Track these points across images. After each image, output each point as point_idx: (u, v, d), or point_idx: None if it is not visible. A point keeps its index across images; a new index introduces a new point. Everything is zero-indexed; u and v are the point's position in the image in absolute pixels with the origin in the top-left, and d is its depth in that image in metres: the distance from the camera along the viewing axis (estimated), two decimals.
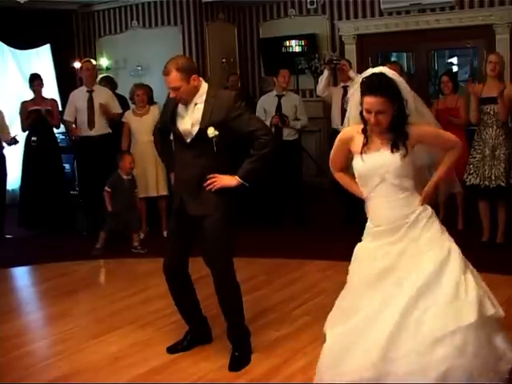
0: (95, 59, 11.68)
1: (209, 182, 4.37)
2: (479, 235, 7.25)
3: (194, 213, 4.44)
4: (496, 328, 3.65)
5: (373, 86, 3.62)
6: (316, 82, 9.08)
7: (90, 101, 8.49)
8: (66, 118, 8.68)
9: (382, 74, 3.66)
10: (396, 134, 3.69)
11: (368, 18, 10.36)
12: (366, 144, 3.75)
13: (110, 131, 8.64)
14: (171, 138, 4.75)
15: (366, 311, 3.68)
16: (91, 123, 8.46)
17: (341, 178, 4.03)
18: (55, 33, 11.34)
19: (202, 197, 4.41)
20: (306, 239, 7.79)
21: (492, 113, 6.92)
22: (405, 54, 10.87)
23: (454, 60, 11.29)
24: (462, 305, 3.54)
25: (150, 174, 8.15)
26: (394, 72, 3.74)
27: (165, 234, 8.09)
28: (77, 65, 9.36)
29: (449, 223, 7.79)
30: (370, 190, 3.79)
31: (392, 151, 3.68)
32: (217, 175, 4.37)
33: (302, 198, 8.68)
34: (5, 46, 10.93)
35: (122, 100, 9.38)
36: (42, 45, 11.37)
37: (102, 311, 5.79)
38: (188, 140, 4.43)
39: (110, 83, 9.39)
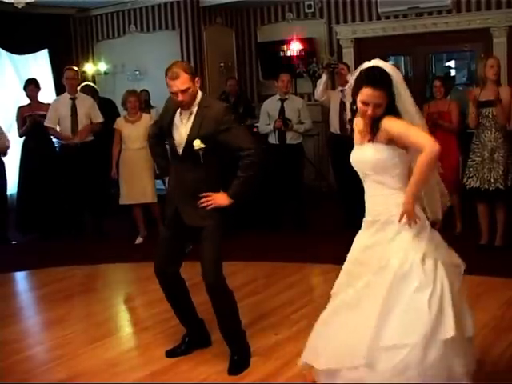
0: (93, 64, 11.73)
1: (204, 200, 4.40)
2: (478, 238, 7.25)
3: (190, 223, 4.48)
4: (456, 352, 3.55)
5: (374, 78, 3.58)
6: (314, 86, 9.08)
7: (74, 108, 8.48)
8: (47, 124, 8.61)
9: (381, 68, 3.64)
10: (372, 125, 3.68)
11: (366, 21, 10.37)
12: (361, 134, 3.80)
13: (93, 138, 8.65)
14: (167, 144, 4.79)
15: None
16: (74, 131, 8.46)
17: None
18: (53, 37, 11.34)
19: (197, 208, 4.44)
20: (305, 242, 7.78)
21: (490, 116, 6.94)
22: (402, 58, 10.88)
23: (452, 63, 11.31)
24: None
25: (140, 181, 8.12)
26: (390, 65, 3.70)
27: None
28: (65, 72, 9.31)
29: (447, 226, 7.88)
30: (362, 180, 3.85)
31: (370, 142, 3.69)
32: (211, 194, 4.40)
33: (302, 201, 8.67)
34: (2, 50, 10.92)
35: (109, 104, 9.38)
36: (40, 49, 11.36)
37: (100, 316, 5.79)
38: (180, 152, 4.47)
39: (91, 91, 9.33)
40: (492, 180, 6.94)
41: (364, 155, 3.73)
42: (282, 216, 8.69)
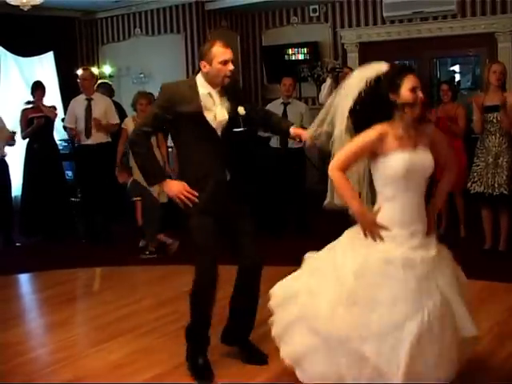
0: (98, 66, 11.75)
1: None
2: (481, 243, 7.25)
3: (233, 209, 4.46)
4: None
5: (411, 67, 3.69)
6: (318, 90, 9.09)
7: (88, 109, 8.50)
8: (66, 124, 8.71)
9: None
10: (420, 129, 3.64)
11: (370, 25, 10.39)
12: (402, 139, 3.58)
13: (110, 140, 8.66)
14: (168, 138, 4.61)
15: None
16: (88, 132, 8.47)
17: (340, 178, 3.69)
18: (58, 40, 11.38)
19: (235, 191, 4.46)
20: (308, 247, 7.69)
21: (495, 121, 6.94)
22: (407, 62, 10.86)
23: (457, 68, 11.31)
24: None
25: None
26: None
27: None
28: (79, 72, 9.43)
29: (451, 231, 7.90)
30: (399, 190, 3.59)
31: (423, 146, 3.61)
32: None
33: (304, 205, 8.65)
34: (8, 52, 10.95)
35: (117, 107, 9.42)
36: (45, 52, 11.40)
37: (104, 319, 5.77)
38: (219, 132, 4.38)
39: (107, 91, 9.39)
40: (496, 185, 6.93)
41: (425, 160, 3.59)
42: (285, 220, 8.68)
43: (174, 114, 4.30)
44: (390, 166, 3.57)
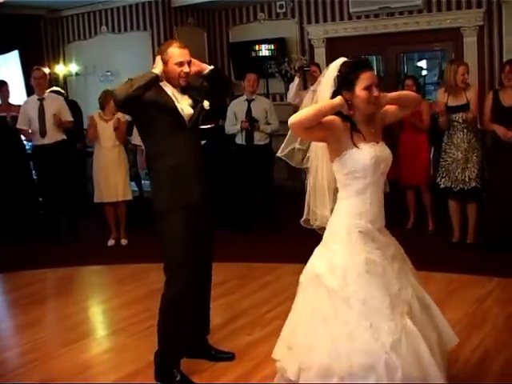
0: (64, 65, 11.67)
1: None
2: (449, 236, 7.31)
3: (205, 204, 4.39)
4: None
5: (366, 62, 3.58)
6: (286, 86, 9.10)
7: (41, 109, 8.42)
8: (19, 126, 8.57)
9: None
10: (377, 122, 3.58)
11: (337, 21, 10.42)
12: (359, 134, 3.50)
13: (65, 137, 8.60)
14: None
15: None
16: (43, 132, 8.38)
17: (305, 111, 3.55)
18: (23, 38, 11.27)
19: (204, 186, 4.39)
20: (279, 243, 7.80)
21: (461, 121, 6.99)
22: (374, 57, 10.92)
23: (423, 63, 11.39)
24: None
25: (114, 179, 8.13)
26: None
27: (122, 242, 8.20)
28: (46, 71, 9.34)
29: (419, 225, 7.96)
30: (364, 184, 3.50)
31: (379, 143, 3.55)
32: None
33: (272, 201, 8.67)
34: None
35: (73, 105, 9.36)
36: (10, 51, 11.29)
37: (73, 319, 5.74)
38: (189, 124, 4.28)
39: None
40: (467, 179, 6.99)
41: (387, 154, 3.56)
42: (254, 216, 8.70)
43: (147, 103, 4.15)
44: (359, 158, 3.47)
